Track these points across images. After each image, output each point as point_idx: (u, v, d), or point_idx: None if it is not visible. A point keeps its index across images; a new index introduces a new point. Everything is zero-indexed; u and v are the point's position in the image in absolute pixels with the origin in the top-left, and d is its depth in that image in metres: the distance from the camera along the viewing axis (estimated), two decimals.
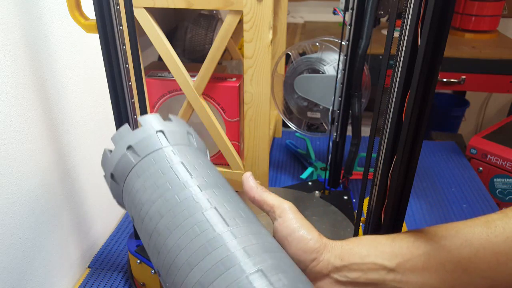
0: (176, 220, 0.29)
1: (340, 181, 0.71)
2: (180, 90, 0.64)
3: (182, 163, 0.34)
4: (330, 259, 0.34)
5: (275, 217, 0.35)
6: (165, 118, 0.39)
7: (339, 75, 0.62)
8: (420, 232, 0.35)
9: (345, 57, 0.60)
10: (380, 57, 0.36)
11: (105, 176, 0.38)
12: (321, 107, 0.70)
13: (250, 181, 0.38)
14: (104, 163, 0.37)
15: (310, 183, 0.69)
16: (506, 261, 0.31)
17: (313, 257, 0.34)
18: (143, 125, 0.36)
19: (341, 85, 0.62)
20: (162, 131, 0.36)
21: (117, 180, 0.35)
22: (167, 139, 0.36)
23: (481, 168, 0.94)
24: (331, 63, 0.68)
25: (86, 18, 0.44)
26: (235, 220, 0.29)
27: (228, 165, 0.69)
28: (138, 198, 0.32)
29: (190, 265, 0.27)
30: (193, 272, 0.26)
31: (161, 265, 0.29)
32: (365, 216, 0.43)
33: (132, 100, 0.45)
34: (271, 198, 0.36)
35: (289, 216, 0.35)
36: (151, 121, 0.37)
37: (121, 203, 0.37)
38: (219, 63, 0.82)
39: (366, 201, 0.43)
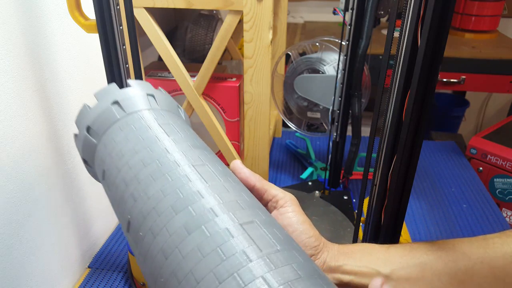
0: (163, 169, 0.29)
1: (340, 181, 0.71)
2: (180, 90, 0.64)
3: (171, 124, 0.33)
4: (326, 259, 0.34)
5: (276, 207, 0.34)
6: None
7: (339, 75, 0.62)
8: (416, 244, 0.35)
9: (345, 57, 0.60)
10: (380, 57, 0.36)
11: (76, 135, 0.37)
12: (321, 107, 0.70)
13: (244, 170, 0.36)
14: (81, 117, 0.36)
15: (310, 183, 0.69)
16: (504, 276, 0.31)
17: (311, 254, 0.33)
18: (133, 86, 0.36)
19: (341, 85, 0.62)
20: (152, 95, 0.36)
21: (93, 134, 0.35)
22: (156, 103, 0.35)
23: (481, 168, 0.94)
24: (331, 63, 0.68)
25: (86, 18, 0.44)
26: (227, 178, 0.29)
27: (228, 165, 0.69)
28: (118, 149, 0.32)
29: (176, 209, 0.26)
30: (178, 217, 0.25)
31: (138, 211, 0.28)
32: (365, 216, 0.43)
33: None
34: (274, 188, 0.35)
35: (292, 208, 0.34)
36: (142, 84, 0.36)
37: (88, 159, 0.36)
38: (219, 63, 0.82)
39: (366, 201, 0.43)
